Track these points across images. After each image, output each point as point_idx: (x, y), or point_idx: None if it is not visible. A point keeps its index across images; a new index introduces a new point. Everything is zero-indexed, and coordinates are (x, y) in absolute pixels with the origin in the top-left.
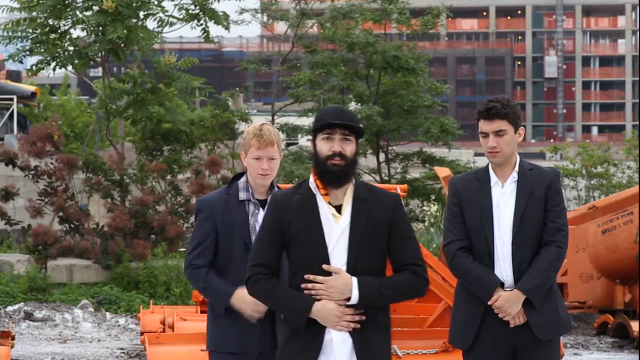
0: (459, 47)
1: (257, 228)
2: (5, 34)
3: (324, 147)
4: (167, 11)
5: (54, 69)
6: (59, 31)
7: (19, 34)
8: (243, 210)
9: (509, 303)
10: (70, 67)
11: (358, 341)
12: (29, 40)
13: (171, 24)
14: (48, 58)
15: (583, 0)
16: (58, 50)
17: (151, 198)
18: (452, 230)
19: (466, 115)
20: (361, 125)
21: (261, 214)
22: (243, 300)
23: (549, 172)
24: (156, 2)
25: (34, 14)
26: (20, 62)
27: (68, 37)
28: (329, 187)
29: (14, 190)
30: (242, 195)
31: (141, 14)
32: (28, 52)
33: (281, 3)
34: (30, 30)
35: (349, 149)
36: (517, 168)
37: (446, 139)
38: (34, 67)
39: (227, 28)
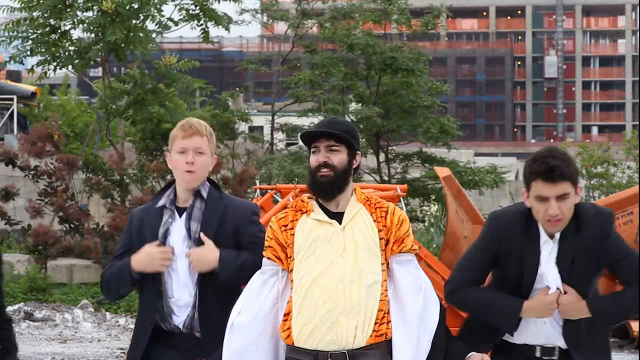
0: (459, 47)
1: (170, 238)
2: (7, 33)
3: (313, 160)
4: (164, 16)
5: (54, 70)
6: (60, 31)
7: (20, 34)
8: (157, 220)
9: (571, 307)
10: (70, 68)
11: None
12: (30, 41)
13: (167, 27)
14: (49, 58)
15: (583, 0)
16: (59, 50)
17: (151, 198)
18: (472, 266)
19: (466, 115)
20: (347, 137)
21: (177, 222)
22: (145, 252)
23: (598, 221)
24: (156, 6)
25: (34, 14)
26: (21, 62)
27: (69, 37)
28: (320, 198)
29: (14, 190)
30: (161, 202)
31: (140, 15)
32: (29, 53)
33: (281, 3)
34: (32, 31)
35: (337, 159)
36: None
37: (446, 139)
38: (34, 67)
39: (227, 29)
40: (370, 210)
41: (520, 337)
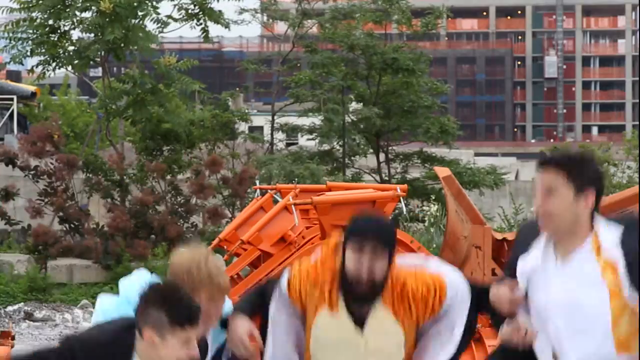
0: (459, 47)
1: None
2: (6, 35)
3: (352, 261)
4: (159, 13)
5: (54, 70)
6: (59, 31)
7: (20, 34)
8: None
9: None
10: (70, 68)
11: None
12: (30, 42)
13: (166, 24)
14: (48, 59)
15: (583, 0)
16: (58, 50)
17: (151, 198)
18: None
19: (466, 115)
20: (394, 245)
21: None
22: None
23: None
24: (152, 4)
25: (33, 14)
26: (21, 63)
27: (68, 37)
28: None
29: (14, 190)
30: None
31: (139, 14)
32: (29, 54)
33: (281, 3)
34: (31, 31)
35: (380, 265)
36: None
37: (446, 139)
38: (34, 68)
39: (227, 27)
40: (401, 306)
41: None
